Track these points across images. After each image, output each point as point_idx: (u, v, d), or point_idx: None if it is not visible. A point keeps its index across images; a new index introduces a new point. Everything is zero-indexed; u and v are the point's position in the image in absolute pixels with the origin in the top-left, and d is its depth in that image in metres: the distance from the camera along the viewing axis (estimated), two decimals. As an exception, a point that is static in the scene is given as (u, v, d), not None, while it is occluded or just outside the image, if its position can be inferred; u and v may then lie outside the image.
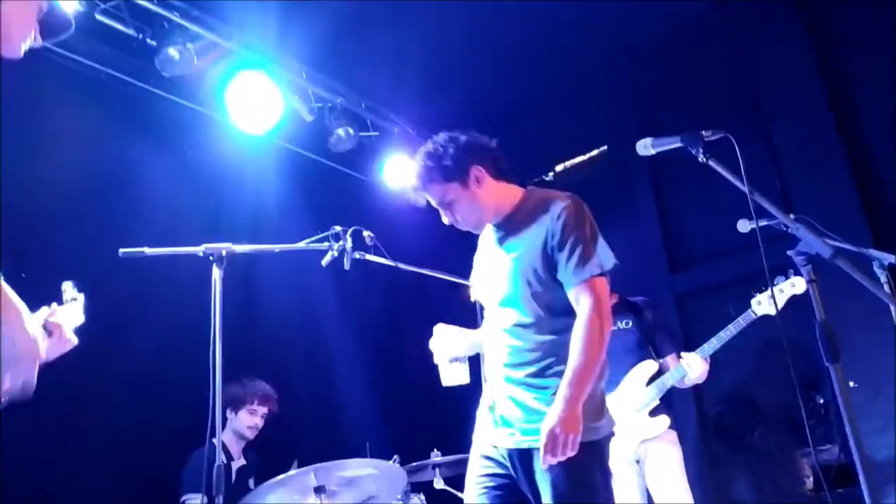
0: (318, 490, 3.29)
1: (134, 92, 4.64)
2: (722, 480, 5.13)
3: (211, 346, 2.71)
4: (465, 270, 3.87)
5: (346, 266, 3.39)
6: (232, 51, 4.77)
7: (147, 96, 4.67)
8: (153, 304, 4.47)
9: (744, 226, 3.20)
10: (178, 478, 4.03)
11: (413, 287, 5.88)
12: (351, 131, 5.47)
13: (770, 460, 4.95)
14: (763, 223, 2.50)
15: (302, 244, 3.27)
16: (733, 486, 5.07)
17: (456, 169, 2.63)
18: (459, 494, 3.71)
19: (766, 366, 4.56)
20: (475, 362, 2.81)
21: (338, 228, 3.39)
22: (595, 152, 6.06)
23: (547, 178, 6.32)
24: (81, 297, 2.10)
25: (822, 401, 4.66)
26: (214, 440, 2.72)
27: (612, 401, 3.93)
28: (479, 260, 2.80)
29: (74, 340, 1.98)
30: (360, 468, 3.42)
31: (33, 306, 1.77)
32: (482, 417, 2.61)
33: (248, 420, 4.36)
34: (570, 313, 2.48)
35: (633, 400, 3.99)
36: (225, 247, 2.84)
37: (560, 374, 2.41)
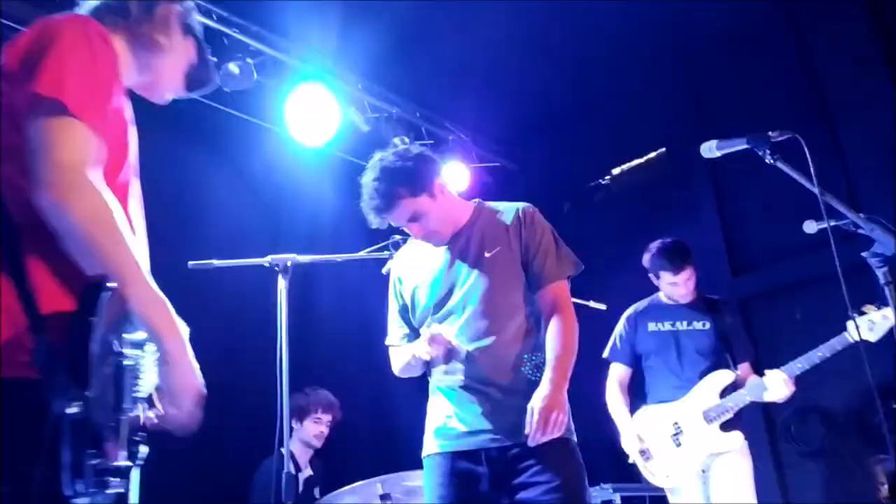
0: (384, 498, 3.32)
1: (195, 107, 4.74)
2: (791, 487, 5.00)
3: (277, 356, 2.75)
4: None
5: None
6: (290, 65, 4.86)
7: (208, 111, 4.78)
8: (217, 315, 4.55)
9: (811, 227, 3.12)
10: (247, 488, 4.10)
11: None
12: (406, 140, 5.51)
13: (841, 467, 4.81)
14: (832, 224, 2.43)
15: (363, 253, 3.30)
16: (803, 494, 4.94)
17: (423, 181, 2.63)
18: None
19: (834, 370, 4.42)
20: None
21: (397, 237, 3.41)
22: (653, 154, 6.00)
23: (604, 182, 6.30)
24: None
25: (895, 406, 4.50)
26: (283, 450, 2.75)
27: (681, 407, 3.87)
28: (420, 273, 2.76)
29: None
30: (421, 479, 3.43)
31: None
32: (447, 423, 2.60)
33: (314, 429, 4.41)
34: (518, 315, 2.58)
35: (705, 411, 3.81)
36: (290, 257, 2.89)
37: (533, 374, 2.52)
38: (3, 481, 1.28)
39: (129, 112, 1.70)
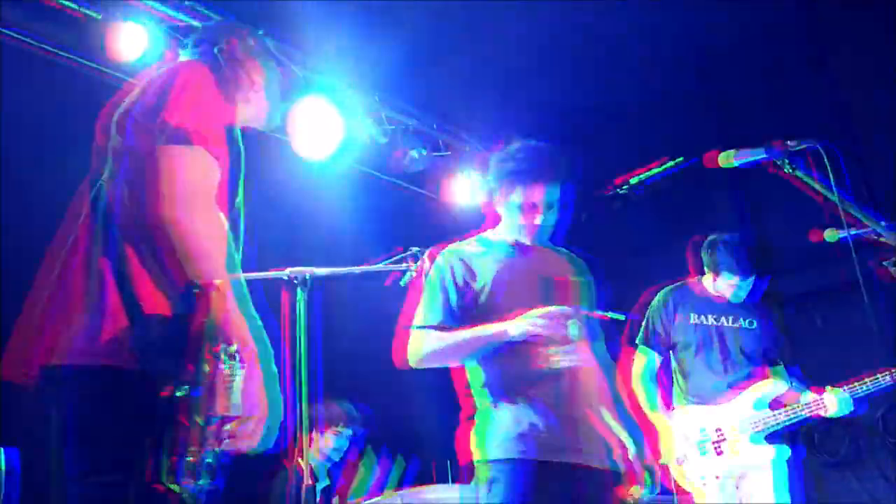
0: (404, 512, 3.32)
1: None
2: (815, 498, 4.94)
3: (297, 368, 2.76)
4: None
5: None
6: (307, 78, 4.89)
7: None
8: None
9: (832, 235, 3.10)
10: (266, 498, 4.11)
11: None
12: (423, 152, 5.53)
13: (866, 477, 4.75)
14: (854, 232, 2.41)
15: (381, 265, 3.32)
16: (829, 502, 4.88)
17: None
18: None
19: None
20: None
21: (415, 249, 3.43)
22: (671, 163, 5.99)
23: (622, 192, 6.29)
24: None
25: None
26: (301, 461, 2.77)
27: (726, 413, 3.70)
28: (502, 272, 2.65)
29: None
30: (444, 492, 3.43)
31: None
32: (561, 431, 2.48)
33: (334, 441, 4.42)
34: None
35: (754, 421, 3.65)
36: (308, 270, 2.91)
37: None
38: (107, 471, 1.42)
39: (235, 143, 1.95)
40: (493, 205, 2.77)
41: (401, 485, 3.36)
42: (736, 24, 5.28)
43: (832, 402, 3.59)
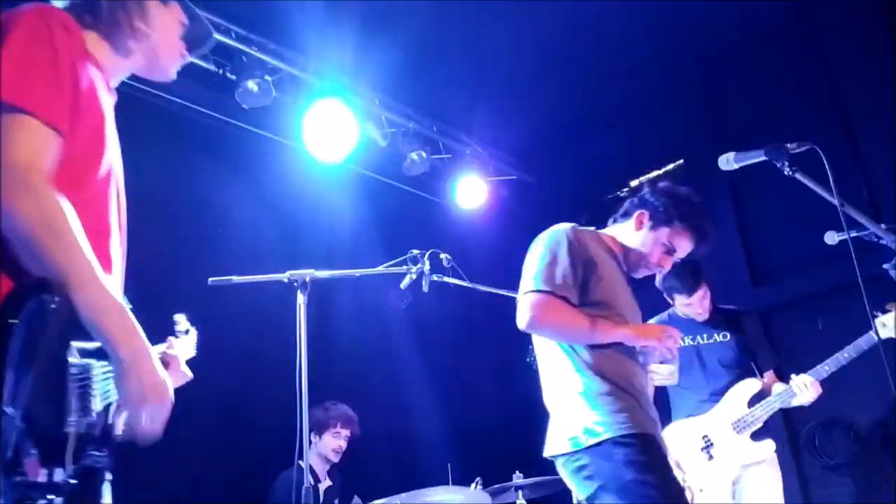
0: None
1: (215, 124, 4.80)
2: (815, 501, 4.93)
3: (297, 371, 2.77)
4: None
5: (425, 288, 3.42)
6: (308, 81, 4.90)
7: (227, 128, 4.83)
8: (237, 330, 4.58)
9: (831, 238, 3.11)
10: (266, 499, 4.11)
11: (486, 307, 5.88)
12: (424, 154, 5.54)
13: (866, 480, 4.74)
14: (853, 235, 2.42)
15: (381, 268, 3.32)
16: (829, 505, 4.87)
17: None
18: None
19: (859, 382, 4.37)
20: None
21: (415, 252, 3.43)
22: (671, 166, 5.99)
23: (622, 195, 6.28)
24: (194, 330, 2.11)
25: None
26: (301, 462, 2.77)
27: (710, 420, 3.83)
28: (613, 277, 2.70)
29: (189, 374, 1.98)
30: (444, 495, 3.43)
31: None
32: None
33: (333, 443, 4.43)
34: None
35: (734, 421, 3.78)
36: (308, 273, 2.91)
37: None
38: None
39: (108, 105, 1.63)
40: (638, 215, 2.79)
41: (398, 485, 3.34)
42: (736, 26, 5.29)
43: (798, 386, 3.67)
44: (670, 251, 2.72)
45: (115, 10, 1.68)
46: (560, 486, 2.89)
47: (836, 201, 2.14)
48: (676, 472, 3.74)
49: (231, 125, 4.82)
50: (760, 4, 5.12)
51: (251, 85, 4.53)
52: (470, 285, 3.68)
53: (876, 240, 2.30)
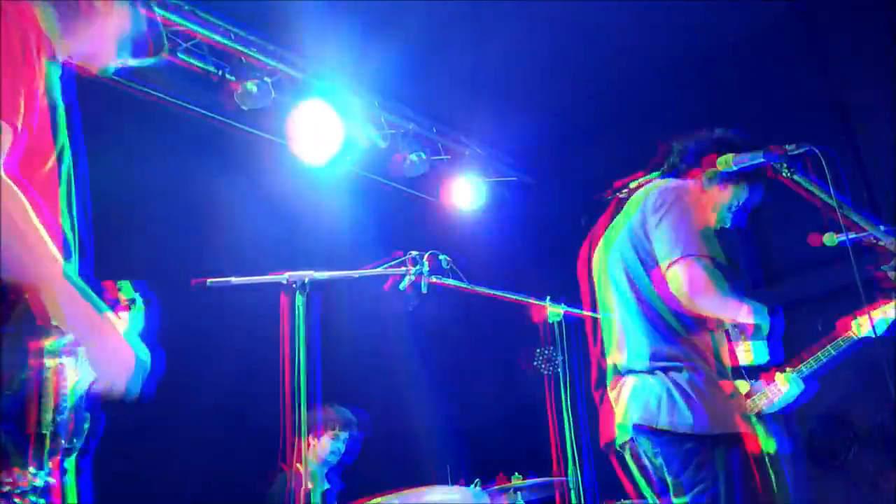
0: (402, 514, 3.30)
1: (214, 125, 4.80)
2: (814, 500, 4.93)
3: (295, 373, 2.76)
4: (536, 291, 3.85)
5: (424, 290, 3.41)
6: (307, 82, 4.89)
7: (226, 129, 4.83)
8: (235, 332, 4.58)
9: (830, 239, 3.11)
10: (265, 502, 4.10)
11: (485, 308, 5.89)
12: (423, 156, 5.53)
13: (866, 481, 4.74)
14: (852, 236, 2.41)
15: (381, 269, 3.31)
16: (828, 507, 4.87)
17: None
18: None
19: (858, 382, 4.37)
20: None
21: (414, 253, 3.42)
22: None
23: (622, 196, 6.27)
24: (140, 299, 1.99)
25: (920, 420, 4.44)
26: (299, 465, 2.76)
27: None
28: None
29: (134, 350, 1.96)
30: (444, 494, 3.43)
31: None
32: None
33: (331, 445, 4.42)
34: None
35: None
36: (307, 274, 2.90)
37: None
38: None
39: (52, 89, 1.59)
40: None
41: (397, 486, 3.34)
42: (735, 26, 5.29)
43: (783, 382, 3.69)
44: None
45: None
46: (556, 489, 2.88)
47: (834, 203, 2.14)
48: None
49: (230, 126, 4.82)
50: (761, 5, 5.12)
51: (250, 86, 4.54)
52: (469, 286, 3.68)
53: (875, 242, 2.30)
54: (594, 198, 6.39)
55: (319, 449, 4.41)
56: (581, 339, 4.02)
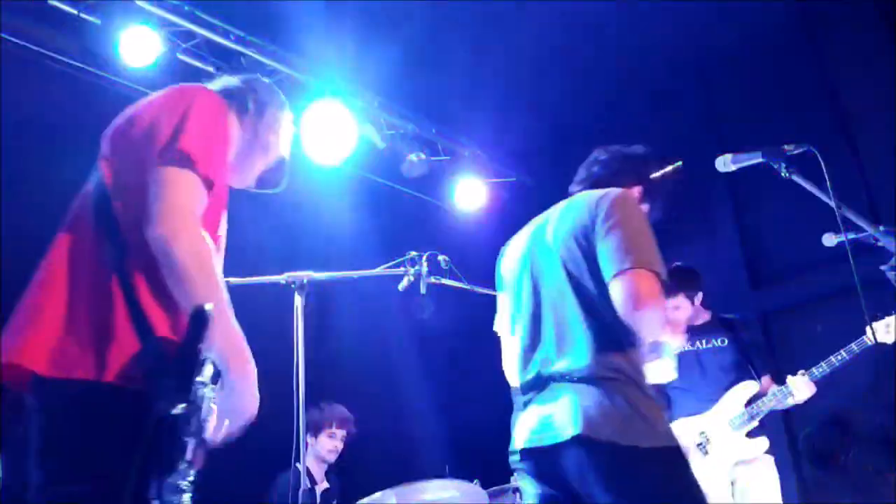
0: (399, 510, 3.31)
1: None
2: (814, 502, 4.93)
3: (294, 372, 2.76)
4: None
5: (423, 290, 3.42)
6: (307, 83, 4.89)
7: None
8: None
9: (829, 240, 3.11)
10: (263, 502, 4.11)
11: (484, 308, 5.88)
12: (423, 156, 5.53)
13: (865, 483, 4.74)
14: (851, 237, 2.41)
15: (379, 270, 3.32)
16: (827, 508, 4.87)
17: None
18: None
19: (857, 384, 4.37)
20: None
21: (413, 253, 3.43)
22: (669, 168, 5.98)
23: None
24: None
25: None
26: (298, 465, 2.76)
27: (707, 418, 3.88)
28: None
29: None
30: (441, 490, 3.43)
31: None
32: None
33: (329, 444, 4.43)
34: None
35: (730, 419, 3.86)
36: (306, 275, 2.91)
37: None
38: (83, 481, 1.44)
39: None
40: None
41: (396, 483, 3.34)
42: (735, 27, 5.29)
43: (796, 386, 3.72)
44: None
45: (256, 116, 2.05)
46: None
47: (832, 203, 2.14)
48: None
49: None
50: (760, 6, 5.12)
51: (250, 87, 4.54)
52: (468, 287, 3.68)
53: (874, 242, 2.30)
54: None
55: (317, 447, 4.41)
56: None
